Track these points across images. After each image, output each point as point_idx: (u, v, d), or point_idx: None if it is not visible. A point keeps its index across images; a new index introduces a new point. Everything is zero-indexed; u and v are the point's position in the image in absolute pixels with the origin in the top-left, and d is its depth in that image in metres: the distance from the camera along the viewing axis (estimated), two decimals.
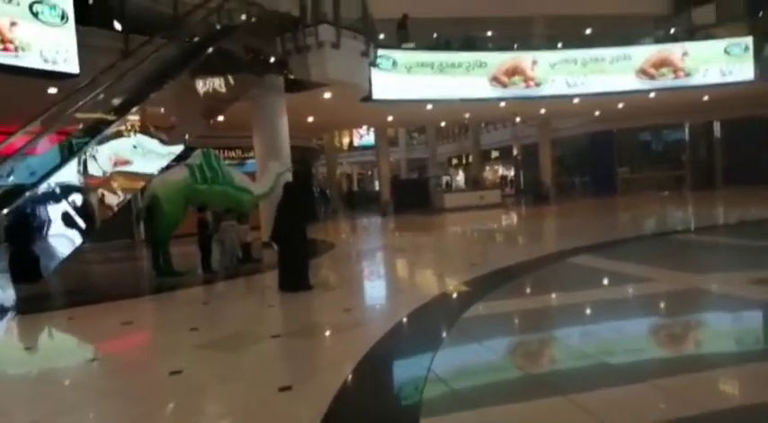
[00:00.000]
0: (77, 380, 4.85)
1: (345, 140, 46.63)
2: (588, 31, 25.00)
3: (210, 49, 11.84)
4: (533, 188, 30.45)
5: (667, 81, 21.25)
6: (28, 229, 8.43)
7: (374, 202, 30.15)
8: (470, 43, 21.19)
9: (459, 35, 22.10)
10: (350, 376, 4.21)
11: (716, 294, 6.46)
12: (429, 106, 20.51)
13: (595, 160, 29.99)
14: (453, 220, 21.09)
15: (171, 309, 7.83)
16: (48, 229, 8.62)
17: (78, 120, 10.13)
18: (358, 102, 17.57)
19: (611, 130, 28.68)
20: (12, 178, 9.15)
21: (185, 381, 4.47)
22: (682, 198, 23.71)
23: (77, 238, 8.89)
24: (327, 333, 5.78)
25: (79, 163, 9.20)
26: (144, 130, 10.51)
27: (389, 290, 8.54)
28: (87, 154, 9.37)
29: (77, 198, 9.23)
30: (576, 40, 22.65)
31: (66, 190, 9.09)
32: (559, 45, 22.44)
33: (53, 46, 10.45)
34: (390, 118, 23.88)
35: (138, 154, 10.33)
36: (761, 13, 22.03)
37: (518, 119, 28.07)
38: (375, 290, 8.41)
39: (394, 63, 18.21)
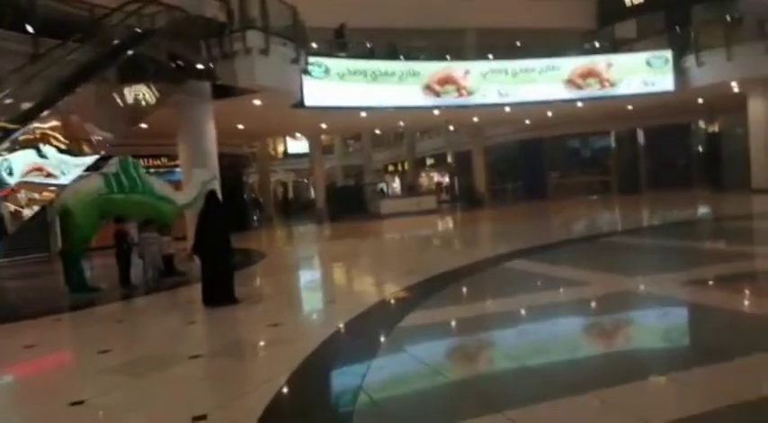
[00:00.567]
0: None
1: (280, 148, 45.84)
2: (518, 44, 25.53)
3: (128, 53, 11.15)
4: (468, 194, 30.76)
5: (594, 91, 21.90)
6: None
7: (310, 209, 29.69)
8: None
9: (400, 44, 22.10)
10: (272, 401, 3.85)
11: (650, 297, 6.45)
12: (363, 114, 20.33)
13: (527, 166, 30.66)
14: (389, 226, 20.93)
15: (81, 328, 7.21)
16: None
17: None
18: (289, 108, 17.16)
19: (541, 137, 29.37)
20: None
21: (86, 413, 4.00)
22: (609, 202, 24.44)
23: None
24: (251, 352, 5.39)
25: None
26: (53, 138, 9.79)
27: (321, 301, 8.20)
28: None
29: None
30: (506, 52, 23.04)
31: None
32: (490, 56, 22.76)
33: None
34: (324, 125, 23.56)
35: (48, 164, 9.61)
36: (677, 29, 23.06)
37: (451, 127, 28.31)
38: (306, 302, 8.04)
39: (326, 70, 17.92)
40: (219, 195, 13.67)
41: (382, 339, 5.17)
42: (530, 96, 21.24)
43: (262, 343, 5.65)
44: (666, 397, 3.58)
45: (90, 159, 10.06)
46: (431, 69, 20.24)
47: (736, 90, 21.01)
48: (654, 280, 7.17)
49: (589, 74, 21.75)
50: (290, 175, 48.36)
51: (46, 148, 9.66)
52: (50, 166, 9.62)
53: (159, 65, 12.12)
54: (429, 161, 40.91)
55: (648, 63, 21.79)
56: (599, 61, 22.03)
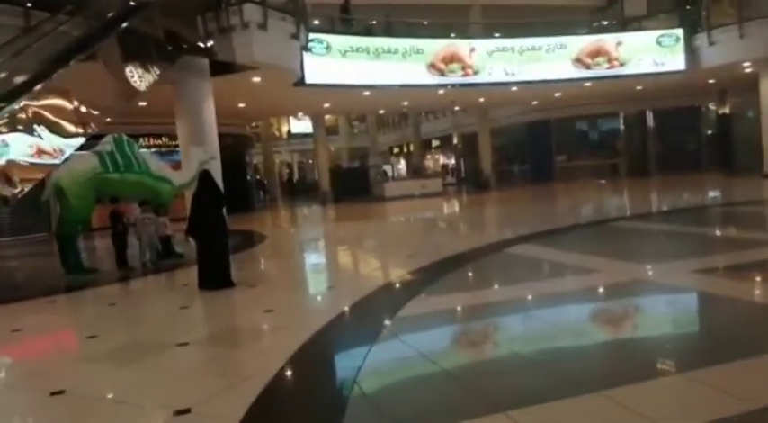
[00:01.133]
0: None
1: (284, 128, 45.43)
2: (525, 21, 24.98)
3: (122, 27, 10.77)
4: (474, 176, 30.37)
5: (602, 70, 21.35)
6: None
7: (314, 190, 29.43)
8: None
9: (404, 21, 21.60)
10: (260, 395, 3.59)
11: (662, 286, 6.12)
12: (366, 93, 19.90)
13: (533, 149, 30.13)
14: (393, 209, 20.65)
15: (73, 311, 6.99)
16: None
17: None
18: (290, 86, 16.77)
19: (549, 119, 28.87)
20: None
21: (65, 403, 3.77)
22: (617, 185, 24.05)
23: None
24: (242, 340, 5.13)
25: None
26: (46, 117, 9.49)
27: (319, 286, 7.94)
28: None
29: None
30: (513, 30, 22.49)
31: None
32: (496, 34, 22.24)
33: None
34: (327, 105, 23.16)
35: (42, 144, 9.32)
36: (688, 6, 22.42)
37: (457, 107, 27.83)
38: (303, 286, 7.76)
39: (328, 47, 17.46)
40: (216, 175, 13.53)
41: (381, 329, 4.88)
42: (537, 75, 20.71)
43: (254, 330, 5.40)
44: (685, 398, 3.28)
45: (83, 138, 9.74)
46: (435, 47, 19.72)
47: (748, 70, 20.48)
48: (666, 268, 6.85)
49: (598, 53, 21.19)
50: (294, 156, 48.00)
51: (39, 128, 9.40)
52: (44, 145, 9.37)
53: (154, 40, 11.74)
54: (435, 143, 40.45)
55: (659, 42, 21.22)
56: (608, 40, 21.44)
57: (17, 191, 8.95)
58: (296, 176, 44.37)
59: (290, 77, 15.90)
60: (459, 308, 5.80)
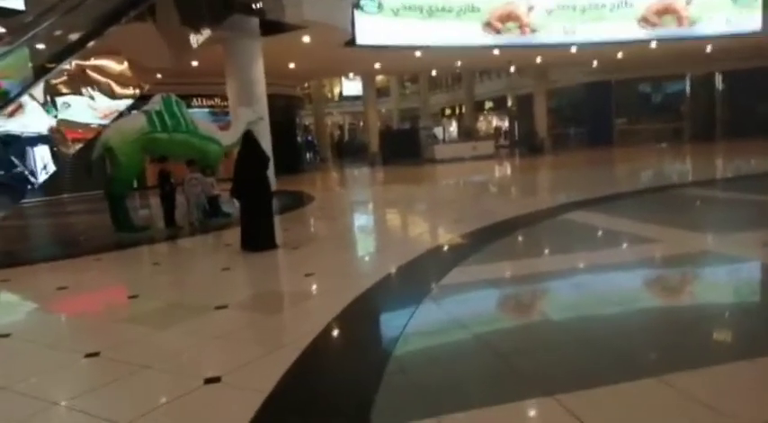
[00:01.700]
0: None
1: (336, 90, 45.16)
2: None
3: None
4: (527, 139, 29.51)
5: (670, 30, 20.05)
6: None
7: (364, 152, 29.24)
8: None
9: None
10: (292, 366, 3.44)
11: (730, 259, 5.65)
12: (418, 53, 19.34)
13: (592, 111, 28.92)
14: (443, 171, 20.26)
15: (117, 270, 7.04)
16: None
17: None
18: (340, 47, 16.44)
19: (610, 81, 27.60)
20: None
21: (97, 366, 3.73)
22: (680, 150, 22.89)
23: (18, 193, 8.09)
24: (279, 305, 4.99)
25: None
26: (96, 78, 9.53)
27: (362, 250, 7.75)
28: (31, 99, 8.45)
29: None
30: None
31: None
32: None
33: None
34: (378, 65, 22.71)
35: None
36: None
37: (512, 68, 26.85)
38: (345, 250, 7.55)
39: (379, 5, 16.95)
40: (264, 136, 13.45)
41: (422, 298, 4.65)
42: (599, 35, 19.61)
43: (293, 295, 5.27)
44: (755, 388, 2.95)
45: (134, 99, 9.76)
46: (492, 4, 18.87)
47: None
48: (735, 240, 6.35)
49: (666, 11, 19.86)
50: (346, 118, 47.80)
51: (94, 91, 9.49)
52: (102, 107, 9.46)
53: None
54: (488, 105, 39.40)
55: None
56: None
57: (72, 150, 9.10)
58: (346, 138, 44.15)
59: (340, 37, 15.57)
60: (505, 278, 5.53)
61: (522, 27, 19.17)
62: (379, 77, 36.20)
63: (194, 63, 16.94)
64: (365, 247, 8.00)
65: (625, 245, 6.61)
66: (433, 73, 33.36)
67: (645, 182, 13.58)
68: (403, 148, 26.45)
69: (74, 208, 14.90)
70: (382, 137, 27.67)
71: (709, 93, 27.66)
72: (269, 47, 14.36)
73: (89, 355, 3.86)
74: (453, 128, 42.48)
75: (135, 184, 16.19)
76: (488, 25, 18.86)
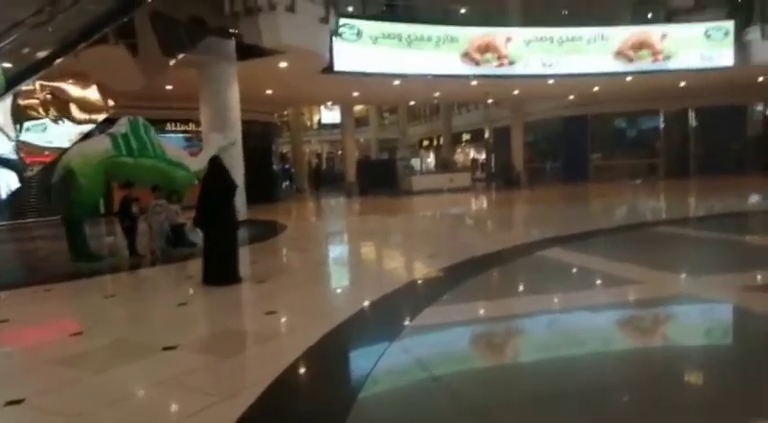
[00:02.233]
0: None
1: (315, 117, 45.07)
2: (565, 12, 24.00)
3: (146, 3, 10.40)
4: (504, 172, 29.51)
5: (645, 64, 20.33)
6: None
7: (341, 181, 28.95)
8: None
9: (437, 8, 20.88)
10: (241, 418, 3.05)
11: (711, 303, 5.44)
12: (396, 82, 19.26)
13: (568, 145, 29.03)
14: (419, 204, 20.01)
15: (67, 302, 6.56)
16: None
17: None
18: (318, 73, 16.25)
19: (586, 115, 27.81)
20: None
21: (17, 417, 3.29)
22: (655, 187, 23.00)
23: None
24: (235, 346, 4.54)
25: None
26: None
27: (330, 286, 7.32)
28: None
29: None
30: (552, 20, 21.54)
31: None
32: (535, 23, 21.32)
33: None
34: (356, 94, 22.58)
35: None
36: None
37: (490, 100, 26.97)
38: (313, 285, 7.04)
39: (358, 33, 16.88)
40: (237, 162, 13.09)
41: (391, 342, 4.28)
42: (576, 68, 19.76)
43: (250, 335, 4.87)
44: None
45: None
46: (470, 35, 18.94)
47: None
48: (713, 282, 6.10)
49: (641, 45, 20.15)
50: (324, 147, 47.63)
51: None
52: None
53: (176, 20, 11.32)
54: (465, 137, 39.56)
55: (707, 35, 20.10)
56: (653, 31, 20.37)
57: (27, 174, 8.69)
58: (323, 166, 43.88)
59: (318, 63, 15.38)
60: (479, 320, 5.19)
61: (500, 58, 19.24)
62: (359, 107, 36.20)
63: (169, 87, 16.60)
64: (334, 282, 7.59)
65: (602, 286, 6.34)
66: (412, 103, 33.41)
67: (620, 219, 13.45)
68: (380, 178, 26.19)
69: (34, 233, 14.28)
70: (360, 167, 27.44)
71: (682, 129, 28.02)
72: (245, 72, 14.10)
73: (11, 403, 3.43)
74: (431, 159, 42.51)
75: (102, 210, 15.71)
76: (467, 56, 18.88)
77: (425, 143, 43.79)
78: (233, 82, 13.91)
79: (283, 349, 4.18)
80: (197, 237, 9.61)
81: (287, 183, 31.36)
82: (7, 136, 9.25)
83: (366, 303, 5.58)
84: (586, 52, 19.74)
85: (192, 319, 5.49)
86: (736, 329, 4.84)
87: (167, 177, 9.78)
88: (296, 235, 12.38)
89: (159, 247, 9.34)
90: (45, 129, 9.61)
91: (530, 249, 8.46)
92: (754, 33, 19.34)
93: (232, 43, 13.48)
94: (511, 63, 19.26)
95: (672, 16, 22.59)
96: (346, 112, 27.21)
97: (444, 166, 33.29)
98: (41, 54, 9.75)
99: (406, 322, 4.80)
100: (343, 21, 16.00)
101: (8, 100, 9.05)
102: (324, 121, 43.61)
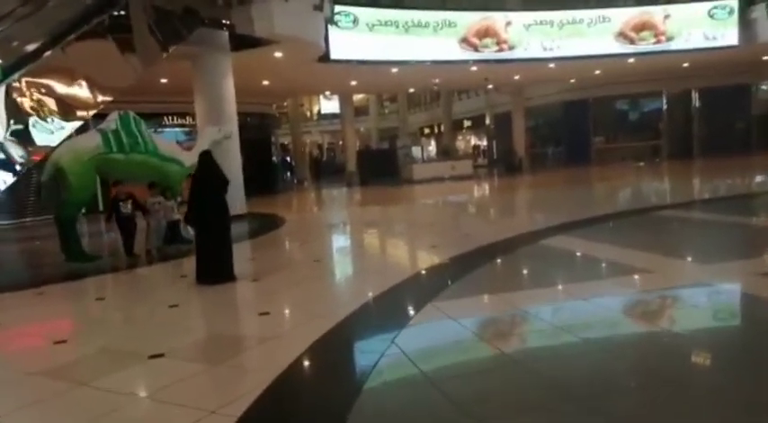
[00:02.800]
0: None
1: (315, 108, 44.72)
2: None
3: None
4: (506, 158, 29.22)
5: (648, 45, 19.96)
6: None
7: (342, 172, 28.69)
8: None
9: None
10: None
11: (725, 293, 5.19)
12: (394, 69, 18.94)
13: (570, 130, 28.71)
14: (420, 193, 19.74)
15: (56, 306, 6.33)
16: None
17: None
18: (314, 62, 15.95)
19: (587, 98, 27.45)
20: None
21: None
22: (659, 169, 22.67)
23: None
24: (224, 352, 4.26)
25: None
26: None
27: (329, 282, 6.96)
28: None
29: None
30: (552, 1, 21.12)
31: None
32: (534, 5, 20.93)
33: None
34: (354, 82, 22.26)
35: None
36: None
37: (490, 85, 26.60)
38: (311, 282, 6.74)
39: (355, 20, 16.54)
40: (233, 155, 12.85)
41: (390, 343, 4.05)
42: (577, 51, 19.39)
43: (242, 340, 4.63)
44: None
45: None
46: (469, 20, 18.57)
47: None
48: (724, 269, 5.80)
49: (643, 26, 19.77)
50: (324, 137, 47.30)
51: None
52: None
53: (167, 11, 11.01)
54: (466, 123, 39.19)
55: (711, 14, 19.69)
56: (655, 12, 19.95)
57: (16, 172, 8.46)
58: (324, 157, 43.58)
59: (313, 52, 15.08)
60: (482, 318, 4.93)
61: (499, 43, 18.90)
62: (358, 96, 35.82)
63: (163, 80, 16.34)
64: (333, 278, 7.31)
65: (610, 276, 6.10)
66: (411, 91, 33.03)
67: (625, 204, 13.18)
68: (381, 167, 25.88)
69: (28, 234, 14.07)
70: (360, 156, 27.16)
71: (686, 110, 27.65)
72: (241, 63, 13.81)
73: None
74: (432, 147, 42.17)
75: (100, 208, 15.49)
76: (465, 41, 18.54)
77: (426, 131, 43.45)
78: (227, 73, 13.62)
79: (275, 355, 3.95)
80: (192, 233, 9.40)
81: (287, 174, 31.12)
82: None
83: (366, 301, 5.35)
84: (587, 35, 19.37)
85: (181, 323, 5.22)
86: (754, 319, 4.58)
87: (161, 173, 9.55)
88: (295, 228, 12.14)
89: (155, 246, 9.13)
90: (33, 126, 9.37)
91: (534, 238, 8.19)
92: (759, 11, 18.92)
93: (225, 34, 13.18)
94: (511, 47, 18.91)
95: None
96: (345, 101, 26.91)
97: (446, 153, 33.00)
98: (30, 47, 9.48)
99: (407, 321, 4.56)
100: (338, 8, 15.71)
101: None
102: (323, 111, 43.24)
